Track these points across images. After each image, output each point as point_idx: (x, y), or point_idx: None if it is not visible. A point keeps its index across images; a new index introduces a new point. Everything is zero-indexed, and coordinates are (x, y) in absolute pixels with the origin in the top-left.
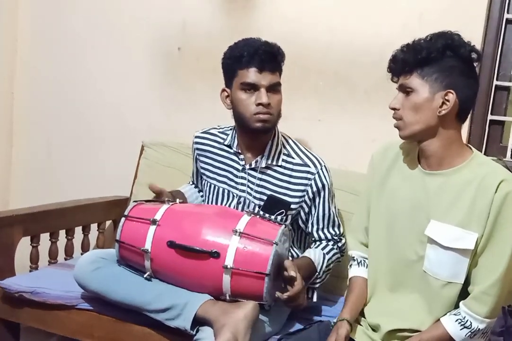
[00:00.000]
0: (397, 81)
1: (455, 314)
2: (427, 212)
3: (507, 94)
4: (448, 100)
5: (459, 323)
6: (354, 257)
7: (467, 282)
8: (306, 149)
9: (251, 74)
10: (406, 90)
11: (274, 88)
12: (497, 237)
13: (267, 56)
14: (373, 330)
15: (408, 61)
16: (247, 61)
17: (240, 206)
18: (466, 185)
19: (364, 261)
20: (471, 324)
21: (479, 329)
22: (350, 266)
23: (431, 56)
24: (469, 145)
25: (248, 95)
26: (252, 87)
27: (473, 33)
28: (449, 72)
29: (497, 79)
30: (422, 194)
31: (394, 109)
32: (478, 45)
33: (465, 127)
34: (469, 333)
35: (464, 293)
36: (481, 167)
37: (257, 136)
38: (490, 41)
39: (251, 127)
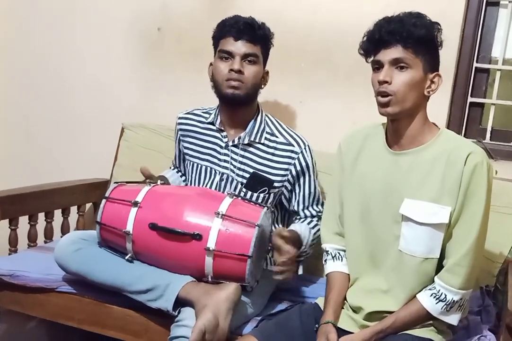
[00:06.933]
0: (372, 54)
1: (430, 289)
2: (400, 191)
3: (487, 76)
4: (434, 82)
5: (434, 297)
6: (328, 250)
7: (442, 256)
8: (290, 129)
9: (228, 43)
10: (400, 65)
11: (250, 58)
12: (467, 208)
13: (246, 27)
14: (354, 311)
15: (407, 35)
16: (226, 30)
17: (222, 183)
18: (435, 160)
19: (339, 253)
20: (445, 297)
21: (454, 301)
22: (325, 261)
23: (428, 37)
24: (434, 123)
25: (224, 63)
26: (228, 55)
27: (453, 15)
28: (436, 55)
29: (477, 61)
30: (393, 175)
31: (385, 82)
32: (458, 27)
33: (444, 109)
34: (445, 306)
35: (440, 269)
36: (448, 142)
37: (235, 109)
38: (470, 23)
39: (222, 93)
